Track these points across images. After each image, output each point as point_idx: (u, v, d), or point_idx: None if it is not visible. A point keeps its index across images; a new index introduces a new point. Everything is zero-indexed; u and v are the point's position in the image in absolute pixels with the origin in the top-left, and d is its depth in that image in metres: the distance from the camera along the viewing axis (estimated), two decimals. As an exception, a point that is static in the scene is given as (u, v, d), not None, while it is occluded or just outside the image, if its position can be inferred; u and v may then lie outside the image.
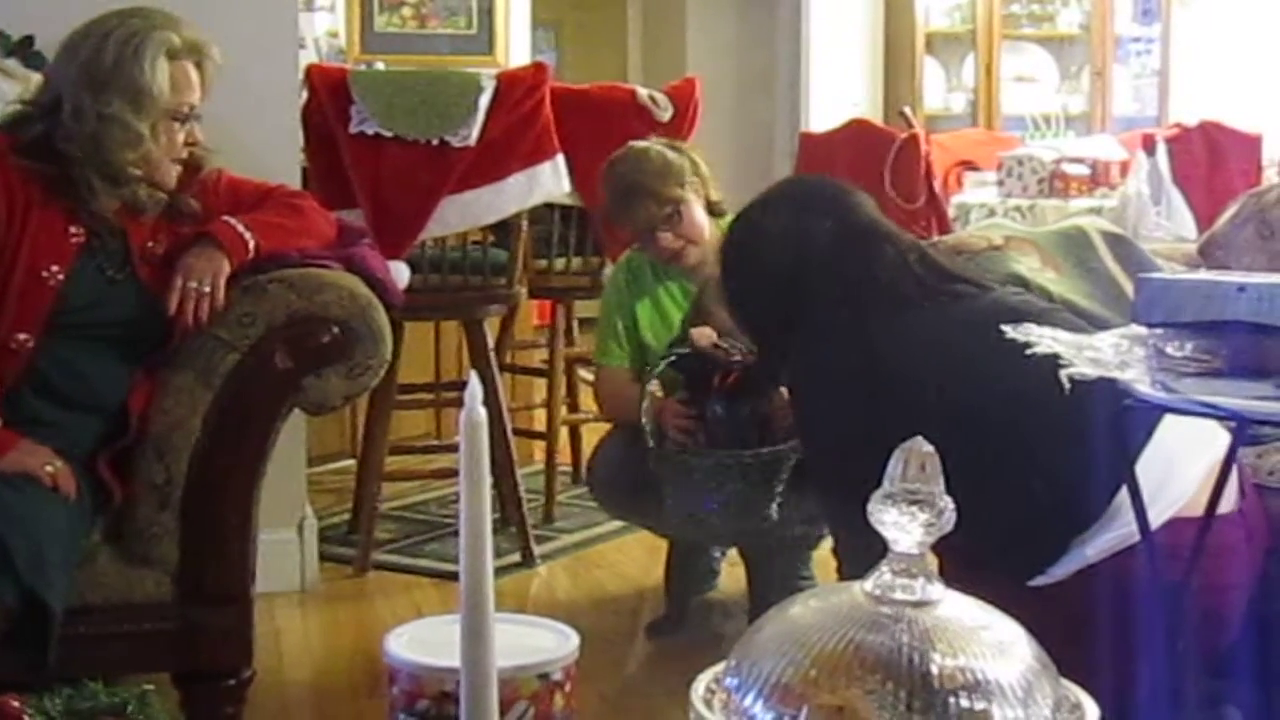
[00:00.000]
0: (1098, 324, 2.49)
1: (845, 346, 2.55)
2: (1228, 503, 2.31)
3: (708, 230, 3.61)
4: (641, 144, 3.73)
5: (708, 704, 1.13)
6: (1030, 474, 2.33)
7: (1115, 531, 2.28)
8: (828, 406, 2.59)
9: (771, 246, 2.68)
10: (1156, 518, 2.20)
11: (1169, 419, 2.28)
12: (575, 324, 5.08)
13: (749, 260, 2.75)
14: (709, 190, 3.68)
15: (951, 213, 5.67)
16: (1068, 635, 1.84)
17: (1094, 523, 2.29)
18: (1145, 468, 2.22)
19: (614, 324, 3.77)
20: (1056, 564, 2.31)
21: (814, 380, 2.64)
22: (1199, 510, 2.24)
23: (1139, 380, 1.98)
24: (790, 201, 2.78)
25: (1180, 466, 2.31)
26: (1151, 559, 2.15)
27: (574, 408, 5.19)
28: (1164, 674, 2.14)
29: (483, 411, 1.16)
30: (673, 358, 3.48)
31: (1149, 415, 2.23)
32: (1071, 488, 2.28)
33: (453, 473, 4.67)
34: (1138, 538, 2.19)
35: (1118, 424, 2.09)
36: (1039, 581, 2.31)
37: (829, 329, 2.57)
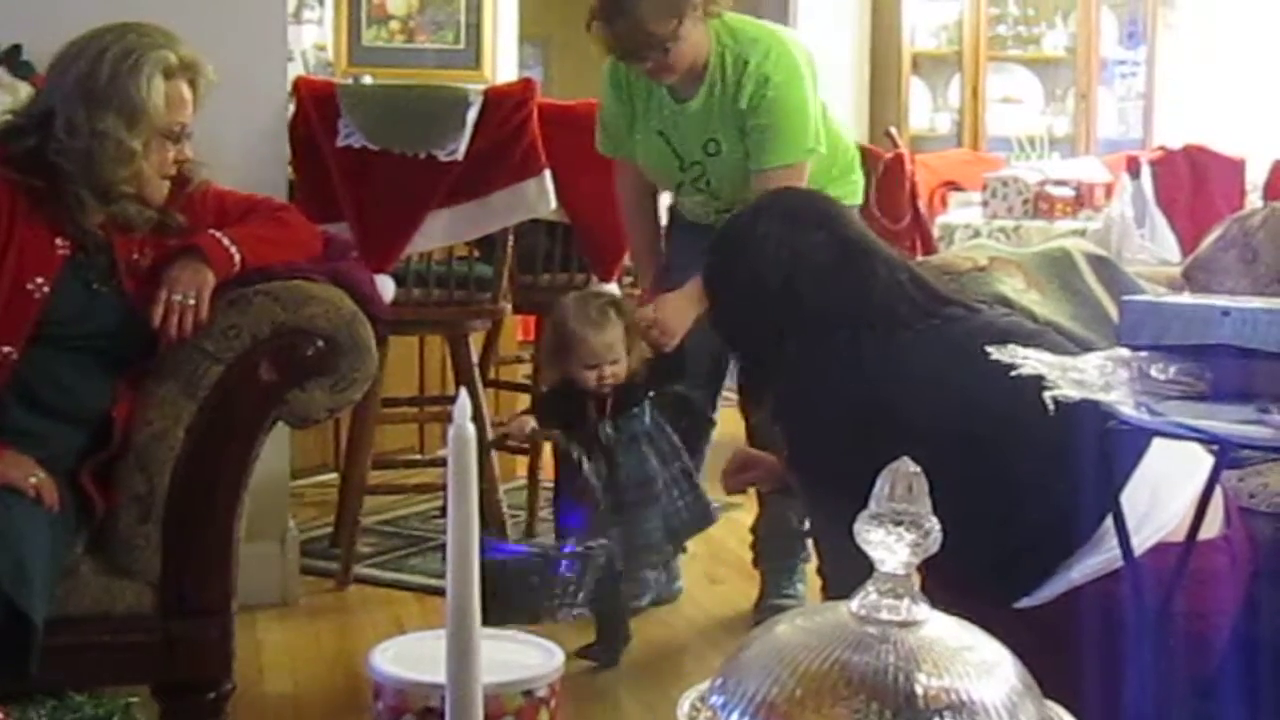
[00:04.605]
0: (1082, 346, 2.49)
1: (836, 367, 2.54)
2: (1213, 528, 2.31)
3: (702, 46, 3.55)
4: None
5: (693, 722, 1.13)
6: (1019, 498, 2.33)
7: (1100, 555, 2.28)
8: (818, 427, 2.58)
9: (763, 258, 2.66)
10: (1143, 543, 2.21)
11: (1156, 444, 2.28)
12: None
13: (739, 272, 2.73)
14: None
15: (936, 233, 5.68)
16: (1052, 658, 1.85)
17: (1081, 546, 2.29)
18: (1132, 493, 2.23)
19: (604, 122, 3.83)
20: (1042, 587, 2.32)
21: (804, 400, 2.63)
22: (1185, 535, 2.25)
23: (1123, 403, 1.99)
24: (780, 214, 2.76)
25: (1167, 492, 2.32)
26: (1135, 584, 2.15)
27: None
28: (1149, 698, 2.15)
29: (471, 427, 1.16)
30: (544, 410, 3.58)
31: (1137, 441, 2.24)
32: (1060, 512, 2.29)
33: (435, 487, 4.67)
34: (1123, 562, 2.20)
35: (1105, 449, 2.10)
36: (1024, 604, 2.32)
37: (821, 348, 2.57)
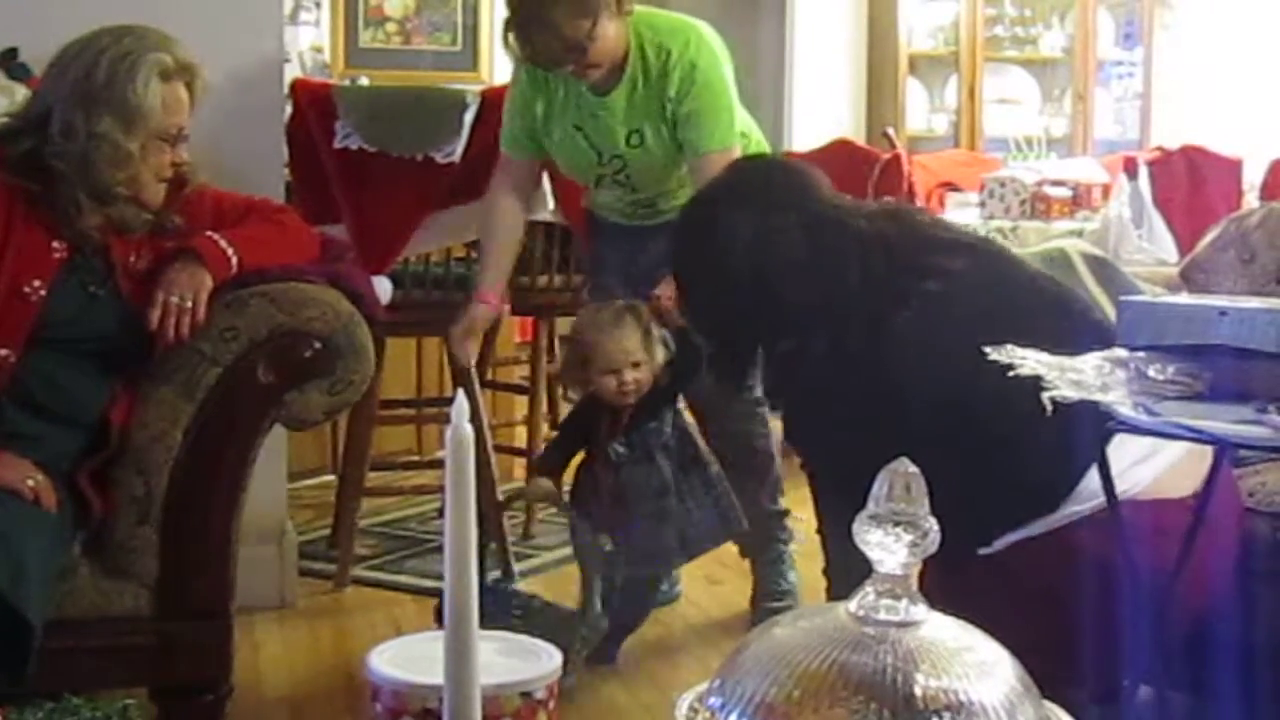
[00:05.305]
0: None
1: (825, 369, 2.53)
2: (1181, 488, 2.34)
3: (621, 40, 3.51)
4: None
5: (691, 723, 1.13)
6: (993, 465, 2.34)
7: (1058, 513, 2.32)
8: (821, 428, 2.57)
9: (731, 247, 2.60)
10: (1096, 508, 2.29)
11: None
12: (557, 341, 5.08)
13: (708, 262, 2.67)
14: None
15: (934, 233, 5.68)
16: (1013, 606, 1.87)
17: (1050, 513, 2.33)
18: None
19: (514, 114, 3.72)
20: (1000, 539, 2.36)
21: (805, 404, 2.62)
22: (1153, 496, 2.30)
23: (1121, 403, 1.99)
24: (744, 194, 2.70)
25: (1136, 466, 2.34)
26: (1126, 551, 2.19)
27: (555, 425, 5.18)
28: (1110, 649, 2.19)
29: (469, 428, 1.16)
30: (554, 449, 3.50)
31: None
32: (1032, 481, 2.33)
33: (433, 489, 4.67)
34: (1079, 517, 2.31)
35: (1083, 420, 2.11)
36: (984, 551, 2.36)
37: (808, 341, 2.55)
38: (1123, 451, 2.30)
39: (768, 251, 2.56)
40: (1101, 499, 2.23)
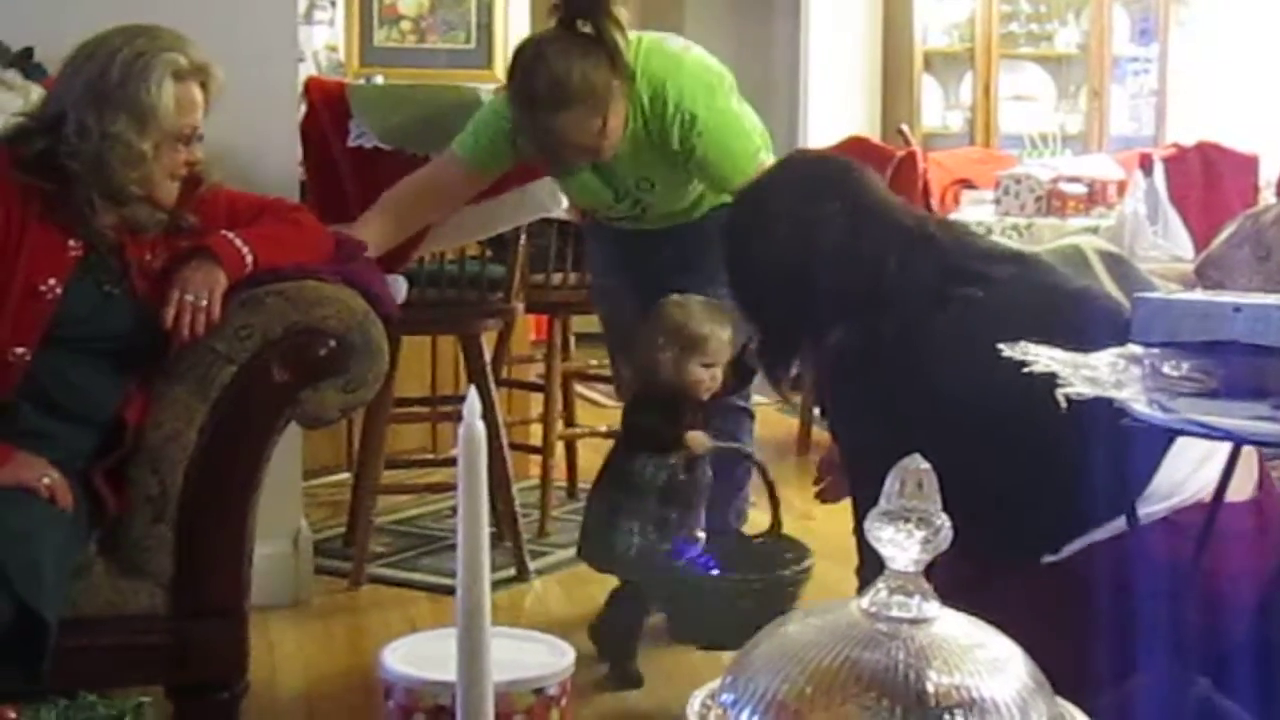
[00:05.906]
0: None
1: (867, 354, 2.52)
2: (1244, 491, 2.33)
3: (624, 114, 3.43)
4: (560, 56, 3.33)
5: (703, 720, 1.13)
6: (1049, 473, 2.33)
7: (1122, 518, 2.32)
8: (860, 424, 2.56)
9: (778, 238, 2.61)
10: (1180, 503, 2.29)
11: None
12: (572, 339, 5.09)
13: (757, 253, 2.68)
14: (622, 69, 3.38)
15: (948, 231, 5.66)
16: (1067, 609, 1.85)
17: (1113, 520, 2.32)
18: (1176, 457, 2.27)
19: (489, 134, 3.62)
20: (1068, 545, 2.35)
21: (844, 399, 2.62)
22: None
23: (1135, 400, 1.98)
24: (793, 184, 2.71)
25: (1196, 472, 2.34)
26: (1145, 553, 2.18)
27: (570, 423, 5.19)
28: (1161, 656, 2.17)
29: (481, 426, 1.16)
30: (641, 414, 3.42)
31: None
32: (1105, 481, 2.31)
33: (448, 487, 4.66)
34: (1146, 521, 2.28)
35: (1118, 446, 2.11)
36: (1047, 559, 2.35)
37: (848, 333, 2.54)
38: (1182, 460, 2.30)
39: (811, 237, 2.57)
40: (1171, 501, 2.24)
